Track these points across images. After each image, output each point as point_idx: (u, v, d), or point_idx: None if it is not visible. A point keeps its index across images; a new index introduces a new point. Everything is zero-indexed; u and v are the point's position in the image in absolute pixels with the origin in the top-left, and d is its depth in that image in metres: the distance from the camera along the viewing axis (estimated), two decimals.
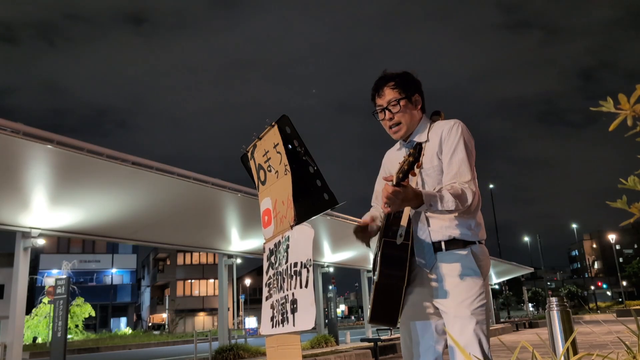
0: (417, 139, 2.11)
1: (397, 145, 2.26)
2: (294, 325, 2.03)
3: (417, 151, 1.78)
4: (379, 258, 2.04)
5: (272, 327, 2.21)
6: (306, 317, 1.96)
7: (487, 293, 1.99)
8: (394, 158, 2.24)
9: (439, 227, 2.02)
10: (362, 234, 2.12)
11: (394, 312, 2.05)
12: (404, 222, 2.03)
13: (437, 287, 1.99)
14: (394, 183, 1.77)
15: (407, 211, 2.04)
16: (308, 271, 2.00)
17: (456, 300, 1.93)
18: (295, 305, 2.04)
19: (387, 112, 2.13)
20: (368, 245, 2.14)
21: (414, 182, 2.07)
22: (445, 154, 2.02)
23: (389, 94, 2.12)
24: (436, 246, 2.02)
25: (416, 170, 1.84)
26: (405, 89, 2.12)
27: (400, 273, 2.00)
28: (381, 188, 2.30)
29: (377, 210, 2.29)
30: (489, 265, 2.06)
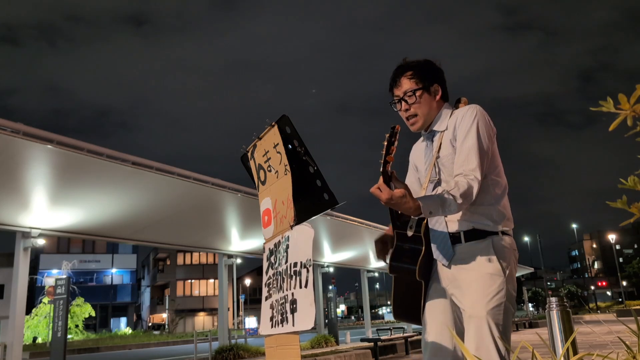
0: (437, 128, 2.04)
1: (420, 137, 2.18)
2: (293, 325, 2.03)
3: (390, 135, 1.71)
4: (392, 252, 1.97)
5: (272, 327, 2.20)
6: (306, 317, 1.95)
7: (511, 288, 1.84)
8: (418, 150, 2.18)
9: (456, 217, 1.90)
10: (382, 249, 2.03)
11: (415, 308, 1.97)
12: None
13: (455, 282, 1.90)
14: (381, 169, 1.68)
15: None
16: (308, 271, 1.99)
17: (472, 298, 1.83)
18: (294, 305, 2.03)
19: (403, 103, 2.06)
20: (385, 260, 2.04)
21: (429, 171, 2.00)
22: (458, 140, 1.92)
23: (405, 84, 2.04)
24: (454, 238, 1.91)
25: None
26: (423, 78, 2.03)
27: (410, 267, 1.92)
28: (410, 183, 2.16)
29: None
30: (513, 258, 1.90)
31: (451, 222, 1.93)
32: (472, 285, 1.85)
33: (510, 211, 1.98)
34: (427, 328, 1.97)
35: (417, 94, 2.03)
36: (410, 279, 1.94)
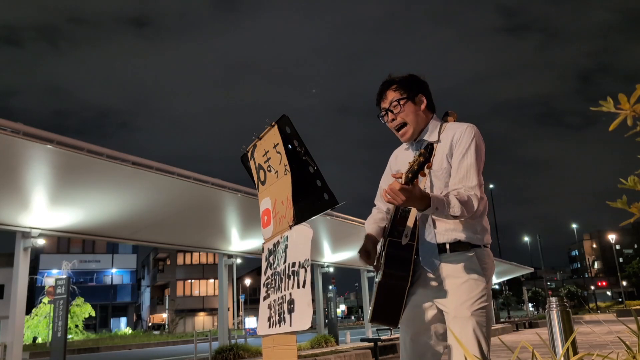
0: (427, 138, 2.08)
1: (405, 144, 2.22)
2: (290, 325, 2.03)
3: (427, 151, 1.76)
4: (382, 257, 2.02)
5: (269, 327, 2.20)
6: (303, 318, 1.95)
7: (489, 296, 1.98)
8: (402, 157, 2.21)
9: (444, 229, 2.00)
10: (367, 258, 2.08)
11: (395, 313, 2.03)
12: (410, 222, 2.02)
13: (439, 288, 1.99)
14: (403, 182, 1.74)
15: (414, 212, 2.02)
16: (306, 271, 1.99)
17: (457, 300, 1.92)
18: (292, 306, 2.03)
19: (390, 114, 2.12)
20: (372, 265, 2.10)
21: (422, 183, 2.05)
22: (455, 158, 2.00)
23: (390, 95, 2.12)
24: (441, 248, 2.00)
25: (426, 171, 1.79)
26: (407, 89, 2.11)
27: (403, 273, 1.99)
28: (386, 186, 2.28)
29: (381, 211, 2.25)
30: (493, 269, 2.05)
31: (439, 234, 2.02)
32: (457, 289, 1.94)
33: (489, 227, 2.10)
34: (407, 331, 2.07)
35: (402, 102, 2.09)
36: (397, 284, 2.00)
